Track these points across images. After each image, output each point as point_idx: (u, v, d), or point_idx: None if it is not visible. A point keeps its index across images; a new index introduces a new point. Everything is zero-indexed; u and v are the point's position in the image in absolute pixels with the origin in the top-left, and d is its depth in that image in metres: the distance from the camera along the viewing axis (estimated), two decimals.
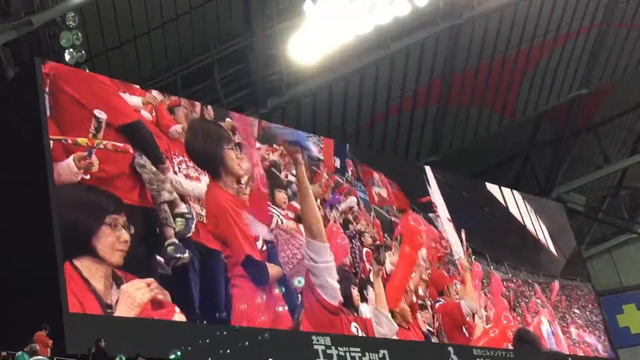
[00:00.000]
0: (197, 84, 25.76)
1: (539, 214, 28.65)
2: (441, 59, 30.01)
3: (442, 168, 30.41)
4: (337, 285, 21.57)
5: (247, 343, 19.13)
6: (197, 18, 24.52)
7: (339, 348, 21.16)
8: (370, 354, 21.90)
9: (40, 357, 13.89)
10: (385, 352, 22.29)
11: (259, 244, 20.52)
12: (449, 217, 27.06)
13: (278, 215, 21.30)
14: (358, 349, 21.64)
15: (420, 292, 24.04)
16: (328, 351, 20.84)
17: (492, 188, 29.06)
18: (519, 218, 27.26)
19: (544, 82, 33.68)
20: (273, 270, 20.42)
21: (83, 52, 21.46)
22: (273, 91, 27.26)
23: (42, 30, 21.27)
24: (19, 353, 13.91)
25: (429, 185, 27.38)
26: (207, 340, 18.46)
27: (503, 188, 28.79)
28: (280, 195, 21.78)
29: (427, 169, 28.84)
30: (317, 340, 20.86)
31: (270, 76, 26.86)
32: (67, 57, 21.14)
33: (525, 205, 27.92)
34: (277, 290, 20.34)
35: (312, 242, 21.72)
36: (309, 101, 28.46)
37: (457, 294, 25.44)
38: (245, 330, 19.38)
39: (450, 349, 24.66)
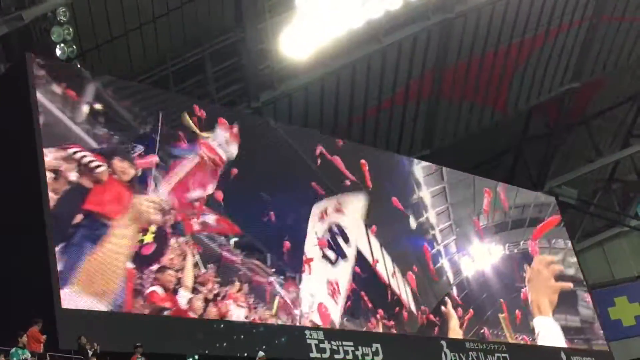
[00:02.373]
0: (189, 79, 25.72)
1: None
2: (433, 52, 30.02)
3: (433, 162, 30.44)
4: None
5: (241, 337, 19.26)
6: (188, 12, 24.45)
7: (332, 342, 21.20)
8: (364, 347, 21.93)
9: None
10: (378, 345, 22.34)
11: None
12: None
13: None
14: (351, 343, 21.68)
15: None
16: (321, 345, 20.89)
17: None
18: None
19: (536, 75, 33.72)
20: None
21: (74, 47, 21.41)
22: (265, 85, 27.26)
23: (33, 25, 21.20)
24: (13, 350, 13.93)
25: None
26: (202, 336, 18.59)
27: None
28: None
29: None
30: (310, 335, 20.91)
31: (262, 70, 26.84)
32: (58, 52, 21.08)
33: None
34: None
35: None
36: (301, 95, 28.45)
37: None
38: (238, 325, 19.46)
39: (442, 342, 24.76)
